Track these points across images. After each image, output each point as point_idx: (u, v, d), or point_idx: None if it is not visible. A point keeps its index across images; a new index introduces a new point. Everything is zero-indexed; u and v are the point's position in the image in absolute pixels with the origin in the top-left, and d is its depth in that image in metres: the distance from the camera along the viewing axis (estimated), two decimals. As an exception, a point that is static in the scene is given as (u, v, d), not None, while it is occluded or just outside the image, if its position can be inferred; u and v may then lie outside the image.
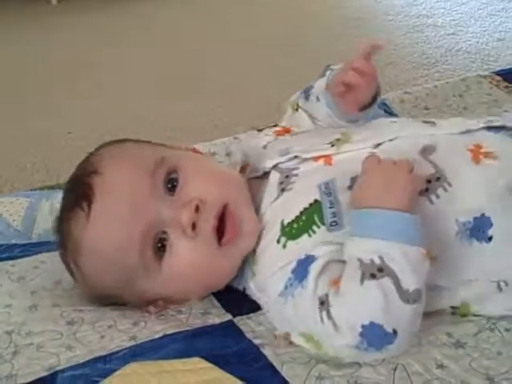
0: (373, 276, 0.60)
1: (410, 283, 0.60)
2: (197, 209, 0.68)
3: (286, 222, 0.68)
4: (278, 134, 0.82)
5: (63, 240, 0.73)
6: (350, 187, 0.68)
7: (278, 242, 0.68)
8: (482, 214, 0.67)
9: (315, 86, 0.82)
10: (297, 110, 0.84)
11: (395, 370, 0.63)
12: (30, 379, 0.65)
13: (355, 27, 1.80)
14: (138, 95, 1.55)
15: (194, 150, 0.81)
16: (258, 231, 0.71)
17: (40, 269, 0.82)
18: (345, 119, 0.80)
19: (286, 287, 0.65)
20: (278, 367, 0.64)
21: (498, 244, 0.67)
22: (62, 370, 0.66)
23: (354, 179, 0.68)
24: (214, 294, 0.76)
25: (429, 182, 0.67)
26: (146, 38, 1.97)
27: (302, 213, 0.68)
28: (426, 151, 0.69)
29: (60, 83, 1.66)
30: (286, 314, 0.66)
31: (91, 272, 0.71)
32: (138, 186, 0.69)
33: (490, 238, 0.66)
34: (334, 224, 0.67)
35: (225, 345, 0.68)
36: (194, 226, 0.67)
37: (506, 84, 1.20)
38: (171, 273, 0.69)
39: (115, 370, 0.65)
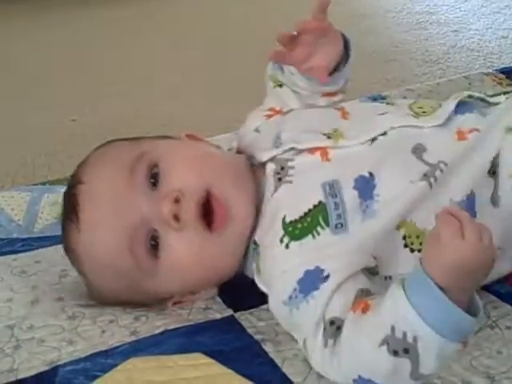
0: (395, 353, 0.55)
1: (429, 369, 0.56)
2: (177, 200, 0.66)
3: (288, 220, 0.67)
4: (269, 116, 0.79)
5: (66, 251, 0.74)
6: (355, 187, 0.67)
7: (282, 241, 0.67)
8: (471, 191, 0.67)
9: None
10: (281, 86, 0.81)
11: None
12: (31, 373, 0.65)
13: (357, 24, 1.79)
14: (139, 86, 1.55)
15: (191, 137, 0.79)
16: (249, 213, 0.69)
17: (42, 263, 0.82)
18: (325, 84, 0.78)
19: (290, 297, 0.64)
20: (279, 363, 0.64)
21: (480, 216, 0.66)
22: (63, 365, 0.66)
23: (357, 180, 0.67)
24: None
25: (425, 175, 0.66)
26: (149, 30, 1.97)
27: (306, 214, 0.67)
28: (418, 150, 0.68)
29: (60, 77, 1.66)
30: (289, 320, 0.65)
31: (98, 280, 0.71)
32: (119, 187, 0.68)
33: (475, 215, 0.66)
34: (339, 226, 0.66)
35: (226, 340, 0.68)
36: (177, 218, 0.66)
37: (509, 82, 1.20)
38: (169, 269, 0.68)
39: (116, 365, 0.65)
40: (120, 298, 0.73)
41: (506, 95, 0.75)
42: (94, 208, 0.69)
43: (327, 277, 0.63)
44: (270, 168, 0.71)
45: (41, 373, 0.65)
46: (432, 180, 0.66)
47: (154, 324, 0.71)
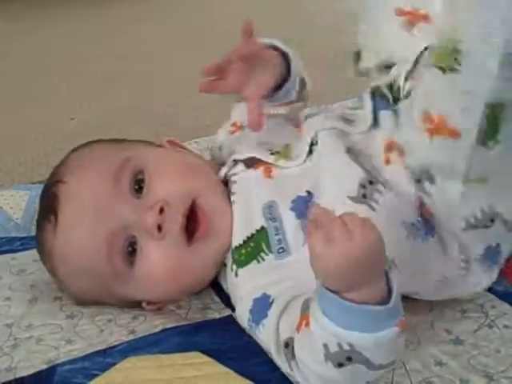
0: (340, 365, 0.55)
1: (383, 360, 0.56)
2: (161, 210, 0.66)
3: (233, 246, 0.68)
4: (232, 133, 0.80)
5: (39, 249, 0.74)
6: (292, 209, 0.66)
7: (232, 269, 0.68)
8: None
9: None
10: (239, 100, 0.80)
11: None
12: (29, 372, 0.65)
13: (354, 22, 1.79)
14: (138, 84, 1.55)
15: (172, 143, 0.79)
16: (230, 223, 0.69)
17: (40, 262, 0.82)
18: (275, 101, 0.76)
19: (248, 326, 0.65)
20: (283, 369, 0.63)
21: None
22: (62, 364, 0.66)
23: (294, 201, 0.66)
24: (213, 289, 0.76)
25: (363, 186, 0.65)
26: (147, 28, 1.97)
27: (249, 238, 0.67)
28: (353, 153, 0.67)
29: (59, 75, 1.65)
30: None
31: (68, 280, 0.71)
32: (102, 191, 0.68)
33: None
34: (281, 251, 0.66)
35: (224, 339, 0.68)
36: (160, 228, 0.66)
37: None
38: (142, 278, 0.68)
39: (114, 364, 0.65)
40: (89, 299, 0.72)
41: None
42: (74, 209, 0.68)
43: (272, 303, 0.63)
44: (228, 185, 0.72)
45: (39, 372, 0.65)
46: (373, 203, 0.64)
47: (152, 323, 0.71)
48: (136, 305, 0.73)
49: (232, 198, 0.70)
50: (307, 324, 0.57)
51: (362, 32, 0.76)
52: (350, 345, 0.54)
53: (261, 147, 0.72)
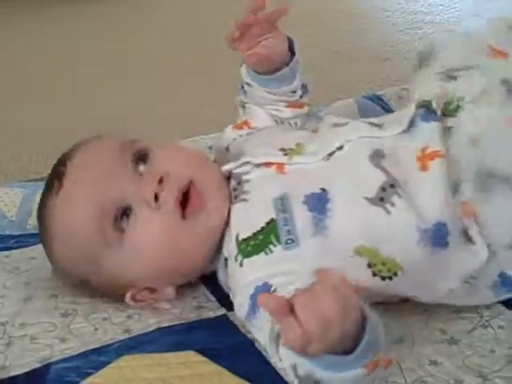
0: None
1: None
2: (160, 181, 0.68)
3: (241, 238, 0.68)
4: (236, 127, 0.81)
5: (38, 216, 0.75)
6: (305, 202, 0.66)
7: (236, 259, 0.68)
8: (440, 221, 0.64)
9: (242, 75, 0.81)
10: (244, 106, 0.83)
11: (388, 365, 0.63)
12: (23, 371, 0.65)
13: (352, 23, 1.79)
14: (138, 84, 1.55)
15: None
16: (225, 212, 0.70)
17: (35, 260, 0.82)
18: (278, 87, 0.78)
19: (247, 314, 0.65)
20: (272, 362, 0.63)
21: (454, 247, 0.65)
22: (56, 362, 0.65)
23: (307, 197, 0.66)
24: (208, 287, 0.76)
25: (383, 189, 0.65)
26: (147, 27, 1.96)
27: (258, 231, 0.67)
28: (376, 158, 0.67)
29: (57, 74, 1.65)
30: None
31: (60, 248, 0.71)
32: (107, 160, 0.70)
33: (447, 244, 0.64)
34: (289, 242, 0.65)
35: (219, 339, 0.68)
36: (156, 198, 0.68)
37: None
38: (132, 246, 0.68)
39: (109, 363, 0.65)
40: (76, 275, 0.72)
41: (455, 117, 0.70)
42: (78, 175, 0.70)
43: (274, 292, 0.63)
44: (232, 183, 0.72)
45: (33, 370, 0.65)
46: (389, 206, 0.64)
47: (147, 322, 0.71)
48: (120, 297, 0.72)
49: (244, 197, 0.70)
50: None
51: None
52: (318, 377, 0.54)
53: (272, 148, 0.73)
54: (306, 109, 0.82)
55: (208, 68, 1.56)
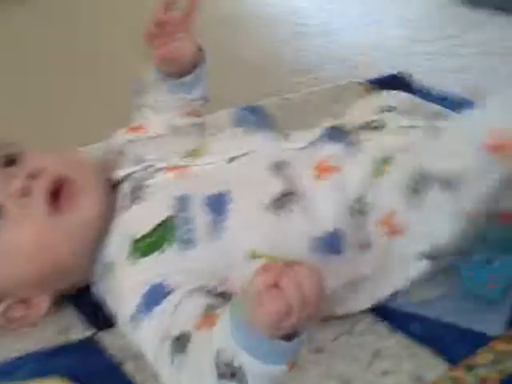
0: (221, 376, 0.56)
1: None
2: (31, 176, 0.67)
3: (136, 237, 0.67)
4: (131, 130, 0.80)
5: None
6: (207, 204, 0.67)
7: (128, 258, 0.66)
8: (334, 229, 0.66)
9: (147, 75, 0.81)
10: (139, 110, 0.82)
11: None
12: None
13: (233, 35, 1.81)
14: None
15: None
16: (98, 211, 0.69)
17: None
18: (180, 92, 0.79)
19: (135, 313, 0.63)
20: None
21: (349, 254, 0.68)
22: None
23: (208, 197, 0.67)
24: (77, 307, 0.73)
25: (281, 197, 0.67)
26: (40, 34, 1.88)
27: (154, 229, 0.66)
28: (277, 167, 0.69)
29: None
30: (137, 337, 0.64)
31: None
32: None
33: (340, 252, 0.67)
34: (187, 241, 0.66)
35: (85, 362, 0.66)
36: (25, 194, 0.66)
37: (378, 90, 1.25)
38: (5, 248, 0.66)
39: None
40: None
41: (363, 132, 0.74)
42: None
43: (170, 292, 0.62)
44: (125, 187, 0.71)
45: None
46: (287, 213, 0.66)
47: (9, 347, 0.68)
48: None
49: (142, 199, 0.69)
50: (211, 325, 0.58)
51: None
52: (240, 364, 0.54)
53: (173, 153, 0.73)
54: (202, 119, 0.83)
55: (103, 73, 1.51)
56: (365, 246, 0.68)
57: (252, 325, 0.53)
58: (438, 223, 0.65)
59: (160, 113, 0.81)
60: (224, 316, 0.57)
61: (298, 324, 0.53)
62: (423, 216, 0.65)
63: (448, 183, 0.63)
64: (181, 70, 0.79)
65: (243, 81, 1.45)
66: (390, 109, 0.82)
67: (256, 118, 1.19)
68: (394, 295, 0.71)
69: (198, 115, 0.83)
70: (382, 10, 1.96)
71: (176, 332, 0.60)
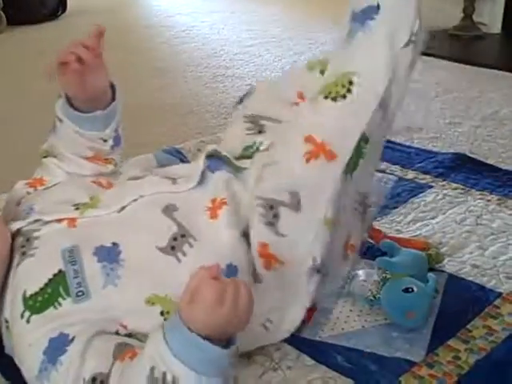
0: None
1: None
2: None
3: (28, 294, 0.65)
4: (30, 185, 0.78)
5: None
6: (95, 254, 0.66)
7: (22, 316, 0.64)
8: (229, 264, 0.67)
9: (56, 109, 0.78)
10: (45, 156, 0.80)
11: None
12: None
13: (158, 77, 1.82)
14: None
15: None
16: None
17: None
18: (89, 129, 0.76)
19: (40, 371, 0.62)
20: None
21: (267, 286, 0.69)
22: None
23: (97, 248, 0.66)
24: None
25: (174, 239, 0.67)
26: None
27: (46, 284, 0.65)
28: (168, 210, 0.69)
29: None
30: None
31: None
32: None
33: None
34: (80, 294, 0.64)
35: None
36: None
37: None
38: None
39: None
40: None
41: (252, 159, 0.76)
42: None
43: (72, 339, 0.62)
44: (17, 242, 0.69)
45: None
46: (180, 255, 0.66)
47: None
48: None
49: (32, 252, 0.67)
50: (132, 357, 0.58)
51: None
52: (174, 379, 0.54)
53: (64, 204, 0.71)
54: (109, 167, 0.80)
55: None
56: (256, 278, 0.69)
57: (187, 318, 0.55)
58: (302, 240, 0.69)
59: (64, 162, 0.78)
60: (152, 337, 0.57)
61: (229, 326, 0.55)
62: (289, 239, 0.69)
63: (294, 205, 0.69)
64: (92, 104, 0.76)
65: (167, 123, 1.46)
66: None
67: (179, 159, 1.20)
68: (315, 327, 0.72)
69: (106, 162, 0.80)
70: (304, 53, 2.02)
71: (91, 374, 0.59)
